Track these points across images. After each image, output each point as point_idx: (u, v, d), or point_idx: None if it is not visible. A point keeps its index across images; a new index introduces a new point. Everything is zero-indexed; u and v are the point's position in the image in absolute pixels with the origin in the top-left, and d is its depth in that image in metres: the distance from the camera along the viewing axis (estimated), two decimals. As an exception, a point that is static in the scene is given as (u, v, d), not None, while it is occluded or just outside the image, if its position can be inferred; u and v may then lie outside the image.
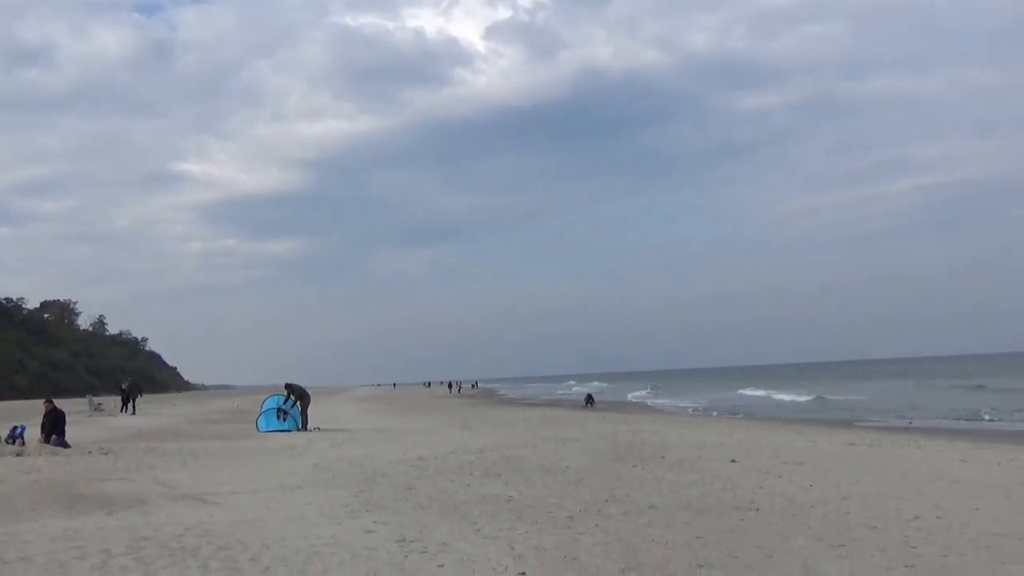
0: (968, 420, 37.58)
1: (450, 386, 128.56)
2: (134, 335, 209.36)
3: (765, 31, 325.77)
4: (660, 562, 9.85)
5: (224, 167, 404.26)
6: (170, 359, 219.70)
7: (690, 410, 56.76)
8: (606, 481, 16.76)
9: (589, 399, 60.04)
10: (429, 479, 17.07)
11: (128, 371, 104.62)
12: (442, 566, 9.55)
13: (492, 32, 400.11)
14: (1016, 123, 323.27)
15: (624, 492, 15.27)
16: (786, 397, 65.54)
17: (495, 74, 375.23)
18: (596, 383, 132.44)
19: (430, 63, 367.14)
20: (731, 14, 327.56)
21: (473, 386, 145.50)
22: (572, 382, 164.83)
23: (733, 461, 19.82)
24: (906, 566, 9.55)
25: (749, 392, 79.73)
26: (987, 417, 37.84)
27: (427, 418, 43.72)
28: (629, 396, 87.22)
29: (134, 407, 50.59)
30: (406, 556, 10.04)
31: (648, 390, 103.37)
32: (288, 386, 32.75)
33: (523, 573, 9.28)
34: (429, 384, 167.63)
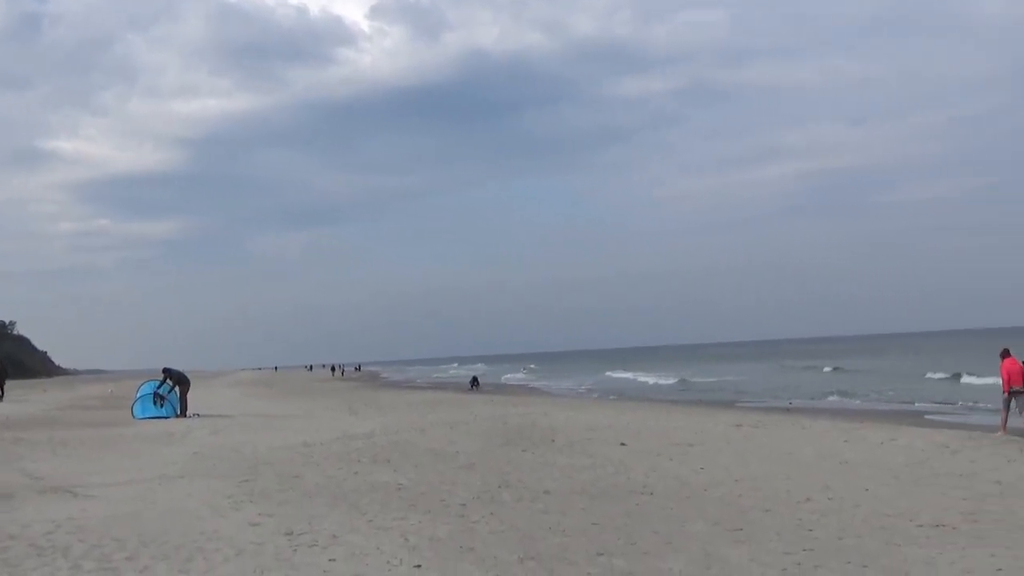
0: (842, 399, 38.57)
1: (333, 369, 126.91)
2: (1, 319, 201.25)
3: (648, 17, 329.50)
4: (558, 550, 9.61)
5: (97, 144, 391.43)
6: (40, 343, 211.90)
7: (574, 392, 57.08)
8: (498, 466, 16.50)
9: (475, 381, 59.86)
10: (316, 466, 16.55)
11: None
12: (333, 560, 9.13)
13: (377, 11, 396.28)
14: (885, 112, 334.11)
15: (517, 477, 15.03)
16: (651, 379, 66.30)
17: (379, 54, 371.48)
18: (479, 365, 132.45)
19: (312, 41, 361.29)
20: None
21: (356, 369, 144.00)
22: (455, 364, 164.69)
23: (623, 444, 19.77)
24: (804, 550, 9.50)
25: (616, 375, 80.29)
26: (833, 398, 39.43)
27: (311, 402, 42.91)
28: (504, 378, 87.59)
29: (1, 393, 48.47)
30: (295, 550, 9.58)
31: (524, 372, 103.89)
32: (166, 370, 31.61)
33: (419, 566, 8.92)
34: (311, 367, 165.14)
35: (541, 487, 13.96)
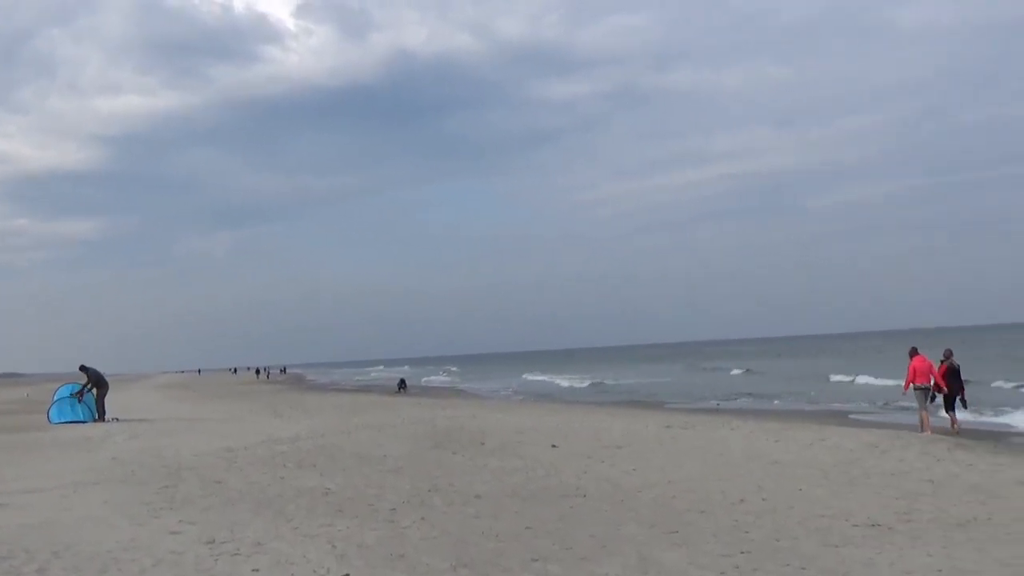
0: (756, 400, 38.80)
1: (257, 372, 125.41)
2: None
3: (575, 20, 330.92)
4: (492, 556, 9.32)
5: (15, 142, 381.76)
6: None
7: (500, 394, 56.84)
8: (427, 469, 16.17)
9: (402, 384, 59.35)
10: (239, 472, 16.06)
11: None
12: (257, 570, 8.73)
13: (303, 10, 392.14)
14: (811, 116, 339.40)
15: (447, 481, 14.71)
16: (565, 382, 66.32)
17: (306, 53, 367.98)
18: (405, 367, 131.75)
19: (238, 39, 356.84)
20: (543, 2, 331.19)
21: (281, 371, 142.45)
22: (380, 366, 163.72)
23: (554, 446, 19.55)
24: (742, 552, 9.34)
25: (533, 377, 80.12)
26: (744, 400, 39.70)
27: (235, 405, 42.09)
28: (425, 380, 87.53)
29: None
30: (216, 560, 9.15)
31: (444, 374, 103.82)
32: (83, 368, 30.57)
33: (347, 575, 8.57)
34: (235, 370, 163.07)
35: (472, 491, 13.67)
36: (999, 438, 21.10)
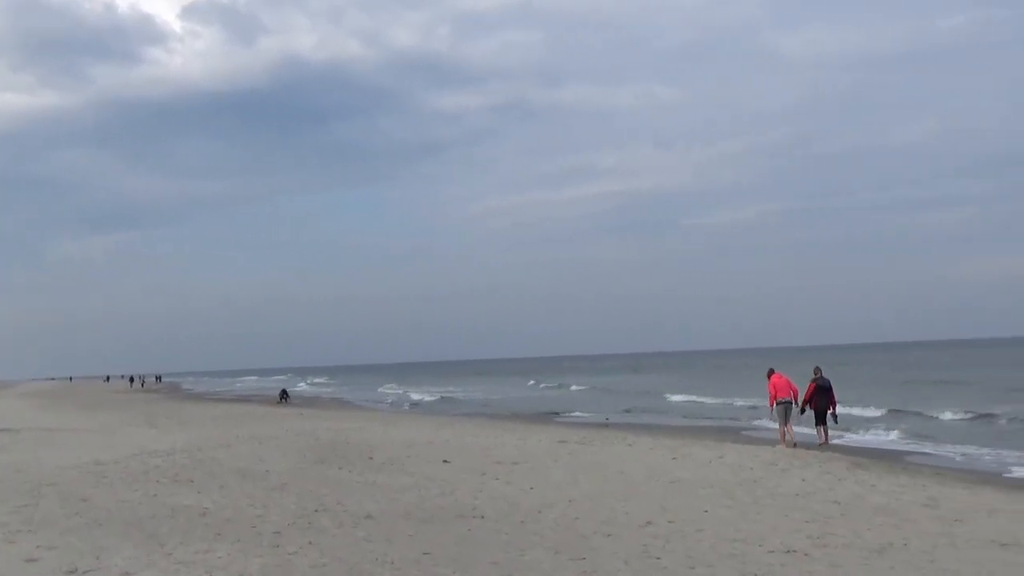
0: (659, 415, 38.67)
1: (131, 380, 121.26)
2: None
3: (466, 33, 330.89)
4: (388, 586, 8.52)
5: None
6: None
7: (383, 404, 55.71)
8: (313, 486, 15.23)
9: (284, 394, 57.73)
10: (108, 488, 14.87)
11: None
12: (124, 604, 7.76)
13: (189, 12, 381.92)
14: (692, 137, 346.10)
15: (335, 499, 13.82)
16: (417, 395, 65.43)
17: (191, 56, 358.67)
18: (284, 376, 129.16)
19: (121, 39, 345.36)
20: (435, 14, 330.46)
21: (157, 380, 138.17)
22: (257, 376, 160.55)
23: (446, 461, 18.81)
24: (657, 581, 8.73)
25: (387, 390, 78.67)
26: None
27: (107, 416, 40.10)
28: (308, 389, 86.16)
29: None
30: (78, 592, 8.15)
31: (307, 383, 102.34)
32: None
33: (227, 610, 7.68)
34: (108, 378, 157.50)
35: (362, 511, 12.81)
36: (894, 458, 21.09)
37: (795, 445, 21.55)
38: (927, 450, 22.91)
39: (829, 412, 22.81)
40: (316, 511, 12.74)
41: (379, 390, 79.43)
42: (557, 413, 40.80)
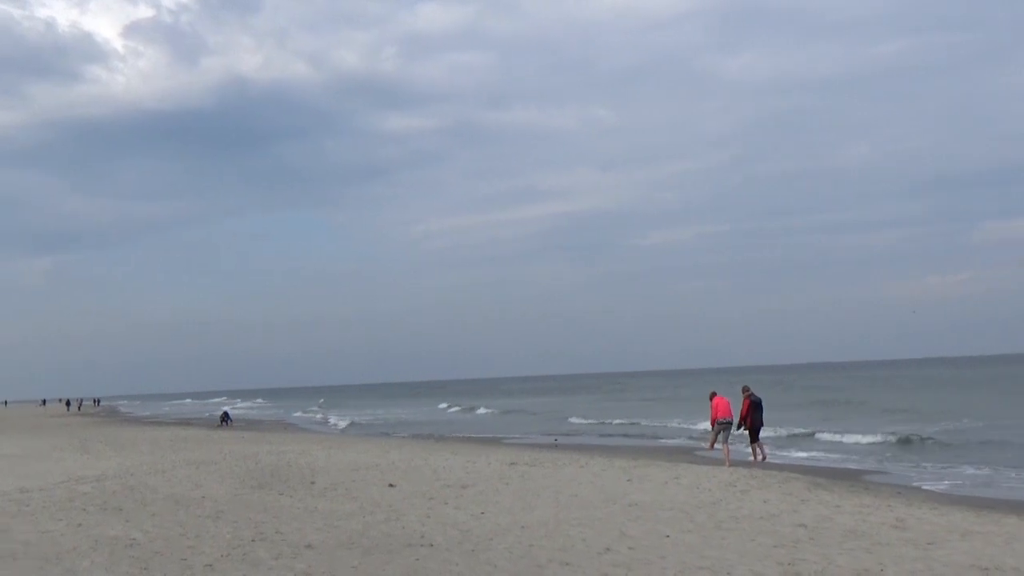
0: (603, 436, 38.06)
1: (68, 403, 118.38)
2: None
3: (413, 55, 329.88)
4: (328, 626, 7.75)
5: None
6: None
7: (336, 428, 54.51)
8: (251, 514, 14.38)
9: (225, 417, 56.35)
10: (29, 518, 13.89)
11: None
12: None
13: (132, 31, 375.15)
14: (633, 160, 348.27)
15: (274, 528, 12.99)
16: (333, 419, 64.11)
17: (133, 75, 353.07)
18: (222, 398, 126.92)
19: (61, 58, 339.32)
20: (382, 35, 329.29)
21: (95, 403, 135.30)
22: (190, 399, 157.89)
23: (392, 485, 18.02)
24: (623, 616, 8.04)
25: (303, 415, 77.14)
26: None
27: (38, 440, 38.60)
28: (248, 412, 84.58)
29: None
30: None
31: (232, 407, 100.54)
32: None
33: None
34: (45, 402, 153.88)
35: (303, 540, 11.99)
36: (853, 477, 20.63)
37: (728, 465, 21.71)
38: (871, 467, 22.59)
39: (761, 429, 23.49)
40: (253, 540, 11.92)
41: (294, 414, 78.05)
42: (504, 435, 40.14)
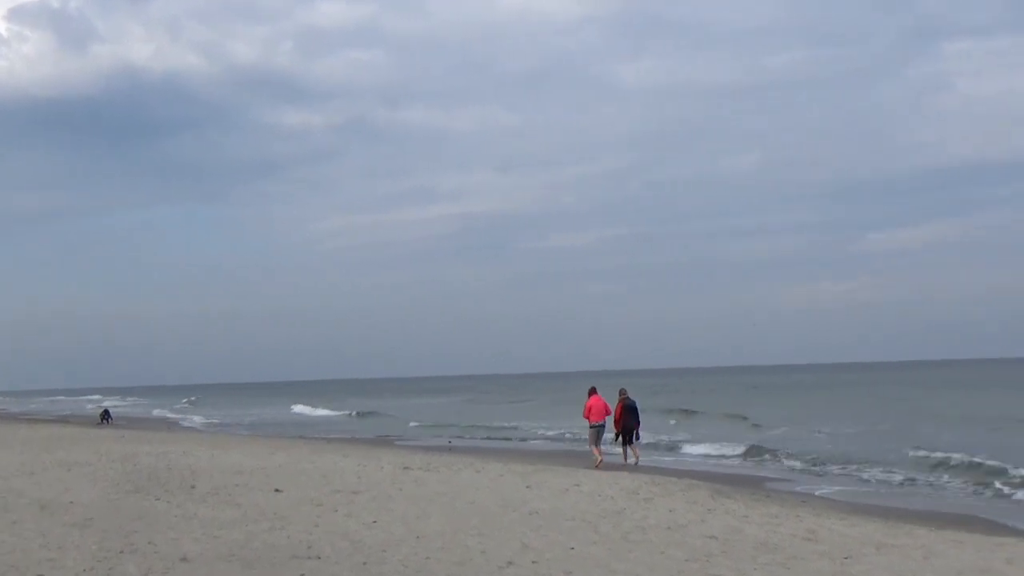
0: (504, 440, 37.35)
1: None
2: None
3: (310, 50, 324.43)
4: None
5: None
6: None
7: (222, 427, 52.78)
8: (122, 522, 13.25)
9: (106, 415, 54.06)
10: None
11: None
12: None
13: (17, 14, 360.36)
14: (532, 163, 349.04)
15: (146, 537, 11.92)
16: (201, 418, 62.97)
17: (17, 60, 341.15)
18: (96, 396, 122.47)
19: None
20: (278, 29, 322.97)
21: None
22: (61, 396, 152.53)
23: (278, 491, 17.00)
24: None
25: (160, 413, 75.64)
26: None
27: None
28: (137, 410, 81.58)
29: None
30: None
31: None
32: None
33: None
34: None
35: (178, 551, 10.98)
36: (755, 484, 20.33)
37: (598, 466, 22.47)
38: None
39: (635, 431, 23.99)
40: (121, 552, 10.87)
41: (153, 412, 75.87)
42: (398, 436, 39.22)
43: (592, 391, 24.07)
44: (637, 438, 24.16)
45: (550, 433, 38.33)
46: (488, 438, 38.26)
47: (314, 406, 75.87)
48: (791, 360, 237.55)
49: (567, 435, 36.03)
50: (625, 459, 23.70)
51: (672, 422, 43.48)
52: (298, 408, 76.18)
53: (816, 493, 19.07)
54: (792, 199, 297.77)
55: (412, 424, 49.60)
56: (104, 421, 52.13)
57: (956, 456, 24.24)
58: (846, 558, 10.63)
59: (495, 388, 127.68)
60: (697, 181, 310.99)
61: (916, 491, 19.94)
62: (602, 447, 23.53)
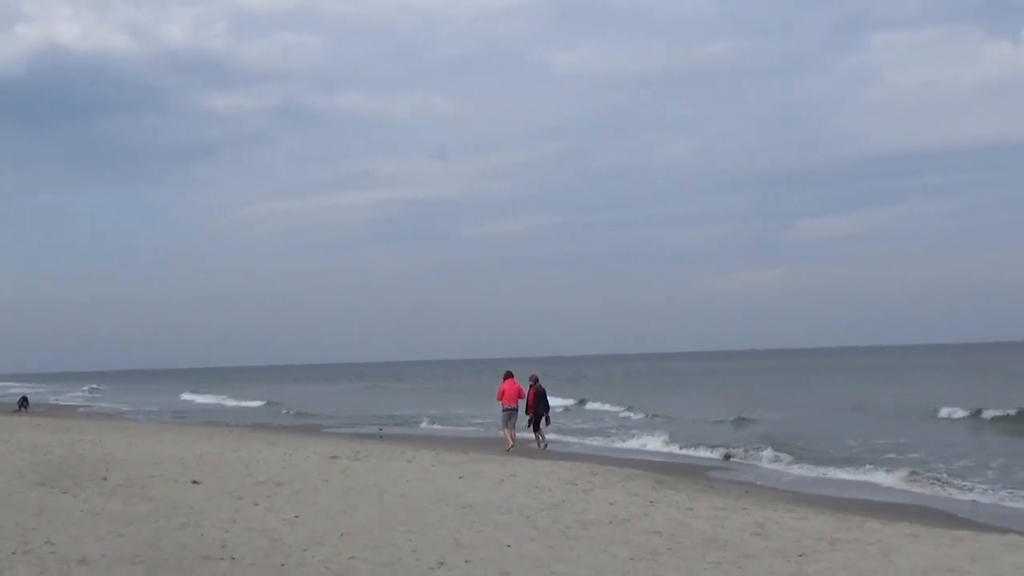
0: (452, 426, 36.39)
1: None
2: None
3: (242, 33, 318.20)
4: None
5: None
6: None
7: (144, 415, 51.19)
8: (22, 517, 12.19)
9: (23, 402, 52.14)
10: None
11: None
12: None
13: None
14: (468, 149, 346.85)
15: (45, 535, 10.90)
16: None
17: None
18: (11, 383, 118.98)
19: None
20: (210, 10, 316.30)
21: None
22: (9, 384, 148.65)
23: (196, 482, 16.00)
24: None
25: (190, 396, 73.79)
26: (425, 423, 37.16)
27: None
28: (58, 398, 79.14)
29: None
30: None
31: (87, 390, 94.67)
32: None
33: None
34: None
35: (77, 553, 9.99)
36: (696, 474, 19.73)
37: (510, 449, 23.31)
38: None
39: (544, 417, 24.43)
40: (13, 554, 9.85)
41: (49, 399, 73.75)
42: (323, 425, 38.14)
43: (507, 375, 24.78)
44: (547, 423, 24.67)
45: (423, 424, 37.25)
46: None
47: (206, 394, 74.12)
48: (723, 347, 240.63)
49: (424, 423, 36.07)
50: (538, 445, 24.19)
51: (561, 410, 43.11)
52: (186, 396, 73.99)
53: (758, 483, 18.52)
54: (725, 187, 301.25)
55: (284, 412, 49.50)
56: (21, 408, 50.33)
57: (880, 442, 24.85)
58: (800, 555, 9.97)
59: (409, 375, 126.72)
60: (631, 169, 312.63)
61: (853, 479, 19.42)
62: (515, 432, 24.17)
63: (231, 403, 62.90)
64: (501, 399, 24.25)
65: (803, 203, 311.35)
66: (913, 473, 19.00)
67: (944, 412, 33.90)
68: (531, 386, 24.14)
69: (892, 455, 22.66)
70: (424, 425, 36.78)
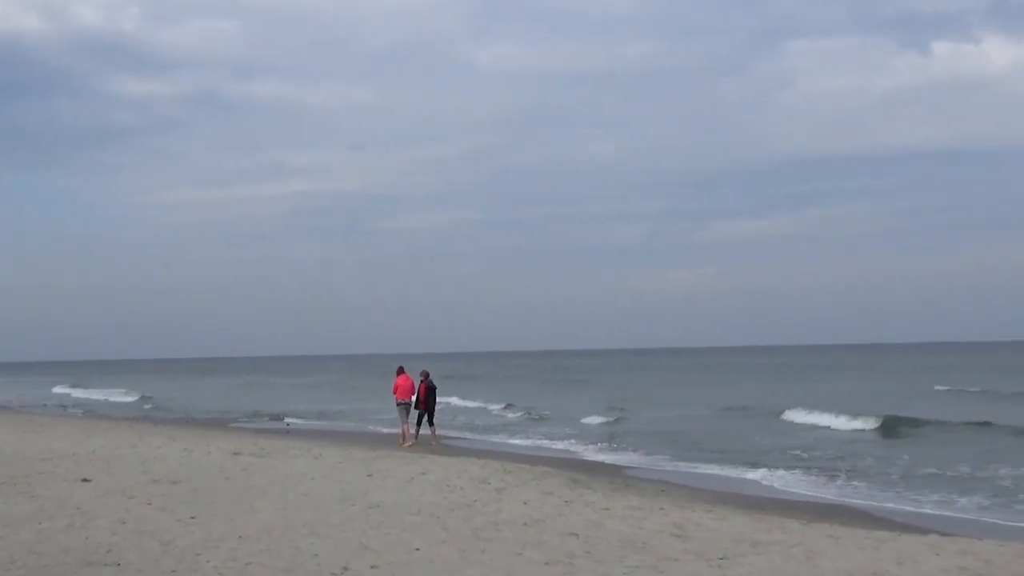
0: (362, 423, 35.42)
1: None
2: None
3: (157, 18, 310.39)
4: None
5: None
6: None
7: (41, 408, 49.20)
8: None
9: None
10: None
11: None
12: None
13: None
14: (388, 142, 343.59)
15: (-89, 540, 10.03)
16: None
17: None
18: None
19: None
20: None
21: None
22: None
23: (86, 480, 15.12)
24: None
25: (66, 391, 70.32)
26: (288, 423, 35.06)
27: None
28: None
29: None
30: None
31: None
32: None
33: None
34: None
35: (-56, 559, 9.17)
36: (612, 472, 19.38)
37: (412, 444, 23.54)
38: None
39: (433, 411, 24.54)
40: None
41: (54, 390, 71.06)
42: (234, 419, 36.91)
43: (400, 370, 25.11)
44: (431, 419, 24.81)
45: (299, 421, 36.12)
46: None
47: (83, 387, 71.29)
48: (640, 344, 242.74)
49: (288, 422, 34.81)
50: (433, 440, 24.13)
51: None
52: (59, 390, 71.11)
53: (673, 481, 18.20)
54: (646, 187, 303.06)
55: (146, 407, 48.74)
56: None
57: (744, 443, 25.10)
58: (722, 559, 9.55)
59: (306, 369, 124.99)
60: (553, 167, 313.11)
61: (765, 478, 19.21)
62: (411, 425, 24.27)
63: (97, 396, 61.01)
64: (395, 393, 24.63)
65: (721, 205, 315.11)
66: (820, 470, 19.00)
67: (788, 415, 33.46)
68: (422, 381, 24.30)
69: (761, 455, 22.78)
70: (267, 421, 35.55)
